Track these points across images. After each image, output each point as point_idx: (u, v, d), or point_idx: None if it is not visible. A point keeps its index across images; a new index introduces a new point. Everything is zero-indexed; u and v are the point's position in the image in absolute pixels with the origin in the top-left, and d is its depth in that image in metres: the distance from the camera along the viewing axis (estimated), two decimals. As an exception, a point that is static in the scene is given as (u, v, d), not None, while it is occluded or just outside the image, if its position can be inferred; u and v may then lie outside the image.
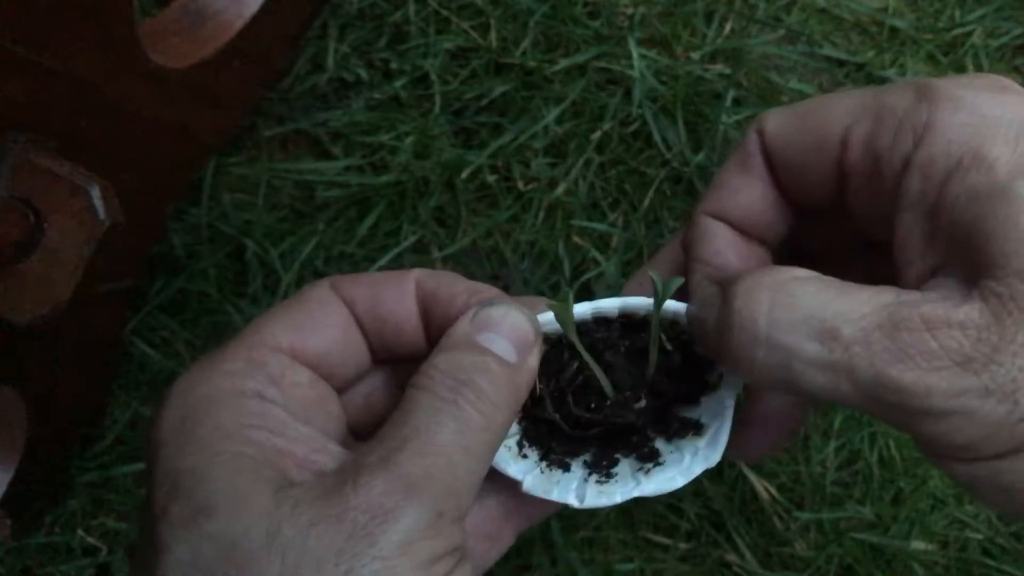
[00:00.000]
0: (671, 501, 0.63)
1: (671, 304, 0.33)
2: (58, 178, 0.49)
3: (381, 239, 0.67)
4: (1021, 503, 0.26)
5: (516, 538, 0.34)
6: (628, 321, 0.34)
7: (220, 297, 0.66)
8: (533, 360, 0.30)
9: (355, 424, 0.33)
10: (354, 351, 0.32)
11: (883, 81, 0.72)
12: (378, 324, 0.31)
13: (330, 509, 0.25)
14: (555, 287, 0.66)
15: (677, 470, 0.31)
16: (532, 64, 0.69)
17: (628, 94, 0.69)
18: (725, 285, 0.30)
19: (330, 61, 0.70)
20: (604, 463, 0.33)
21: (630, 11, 0.71)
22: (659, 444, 0.33)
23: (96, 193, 0.49)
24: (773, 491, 0.63)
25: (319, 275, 0.66)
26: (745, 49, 0.70)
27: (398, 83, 0.70)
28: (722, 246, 0.33)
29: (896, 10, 0.74)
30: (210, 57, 0.60)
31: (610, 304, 0.33)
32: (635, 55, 0.69)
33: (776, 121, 0.32)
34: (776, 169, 0.32)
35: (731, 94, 0.69)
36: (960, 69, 0.73)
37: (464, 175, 0.67)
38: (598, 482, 0.32)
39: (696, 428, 0.33)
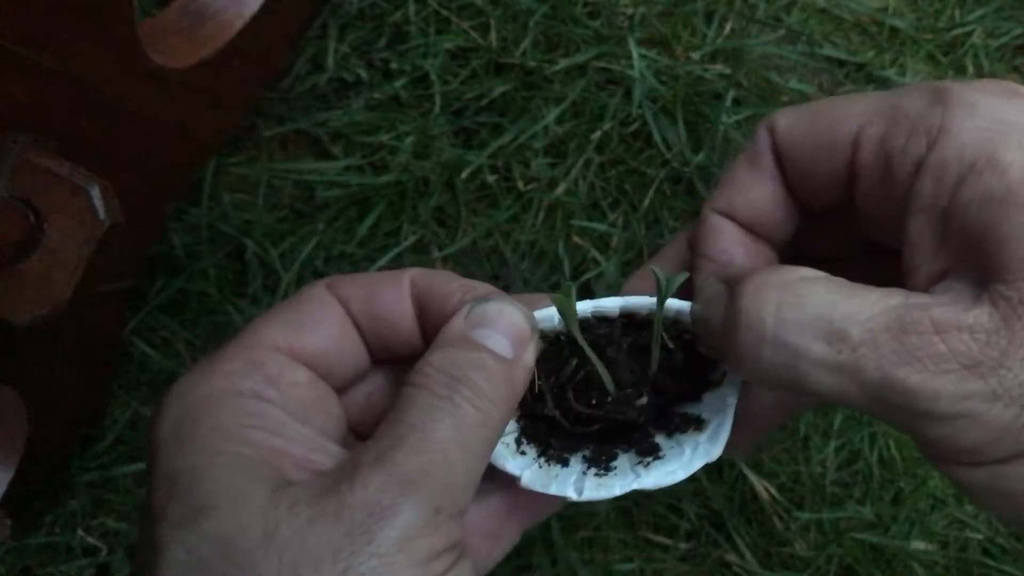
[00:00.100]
0: (671, 501, 0.63)
1: (674, 303, 0.32)
2: (58, 178, 0.49)
3: (381, 239, 0.67)
4: (1022, 508, 0.26)
5: (520, 535, 0.34)
6: (629, 320, 0.34)
7: (220, 297, 0.66)
8: (529, 356, 0.30)
9: (357, 424, 0.33)
10: (352, 350, 0.32)
11: (883, 81, 0.72)
12: (375, 323, 0.31)
13: (327, 507, 0.25)
14: (555, 287, 0.66)
15: (678, 464, 0.31)
16: (532, 64, 0.69)
17: (628, 94, 0.69)
18: (732, 284, 0.29)
19: (330, 61, 0.70)
20: (603, 458, 0.33)
21: (630, 11, 0.71)
22: (659, 440, 0.33)
23: (96, 193, 0.49)
24: (773, 491, 0.63)
25: (319, 275, 0.66)
26: (745, 49, 0.71)
27: (398, 83, 0.70)
28: (729, 244, 0.33)
29: (896, 10, 0.74)
30: (210, 57, 0.60)
31: (611, 303, 0.33)
32: (635, 55, 0.69)
33: (788, 120, 0.32)
34: (786, 168, 0.32)
35: (731, 94, 0.69)
36: (960, 69, 0.73)
37: (464, 175, 0.67)
38: (597, 475, 0.32)
39: (697, 423, 0.33)
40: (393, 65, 0.70)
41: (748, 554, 0.62)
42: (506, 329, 0.30)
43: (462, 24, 0.71)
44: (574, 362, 0.33)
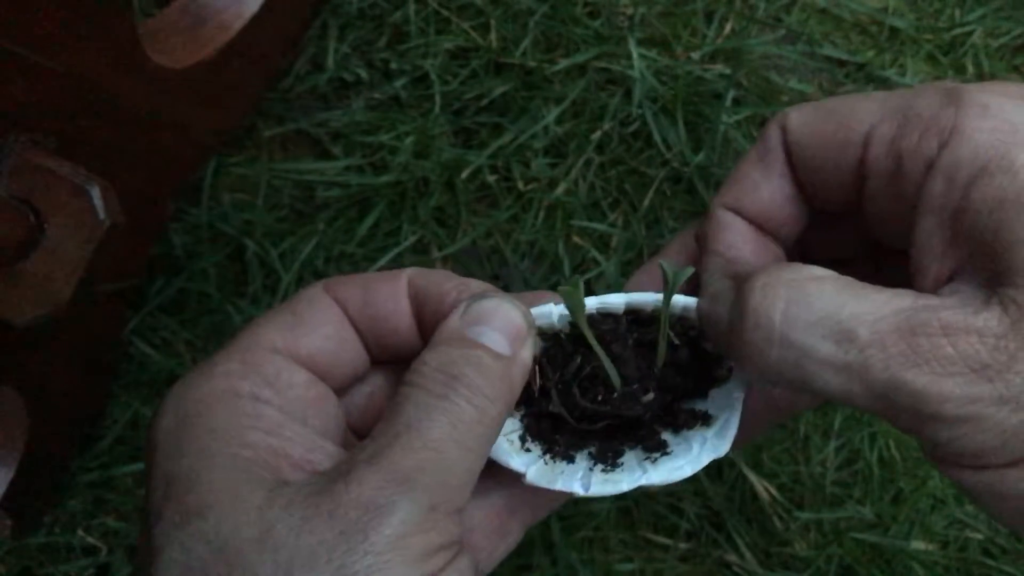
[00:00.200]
0: (671, 501, 0.63)
1: (680, 298, 0.32)
2: (58, 178, 0.49)
3: (381, 239, 0.67)
4: None
5: (523, 533, 0.34)
6: (634, 316, 0.34)
7: (220, 297, 0.66)
8: (526, 352, 0.30)
9: (358, 425, 0.33)
10: (349, 351, 0.32)
11: (883, 81, 0.72)
12: (372, 324, 0.31)
13: (322, 507, 0.25)
14: (555, 287, 0.66)
15: (685, 459, 0.31)
16: (532, 64, 0.69)
17: (628, 94, 0.69)
18: (739, 281, 0.29)
19: (330, 61, 0.70)
20: (609, 455, 0.32)
21: (630, 11, 0.71)
22: (666, 436, 0.33)
23: (96, 193, 0.49)
24: (773, 491, 0.63)
25: (319, 275, 0.66)
26: (745, 49, 0.71)
27: (398, 83, 0.70)
28: (737, 240, 0.33)
29: (896, 10, 0.74)
30: (210, 57, 0.60)
31: (617, 299, 0.33)
32: (635, 55, 0.69)
33: (799, 117, 0.32)
34: (796, 165, 0.32)
35: (731, 94, 0.69)
36: (960, 69, 0.73)
37: (464, 175, 0.67)
38: (603, 471, 0.32)
39: (704, 419, 0.32)
40: (393, 65, 0.70)
41: (748, 554, 0.62)
42: (503, 326, 0.29)
43: (462, 24, 0.71)
44: (578, 359, 0.33)
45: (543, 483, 0.31)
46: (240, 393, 0.28)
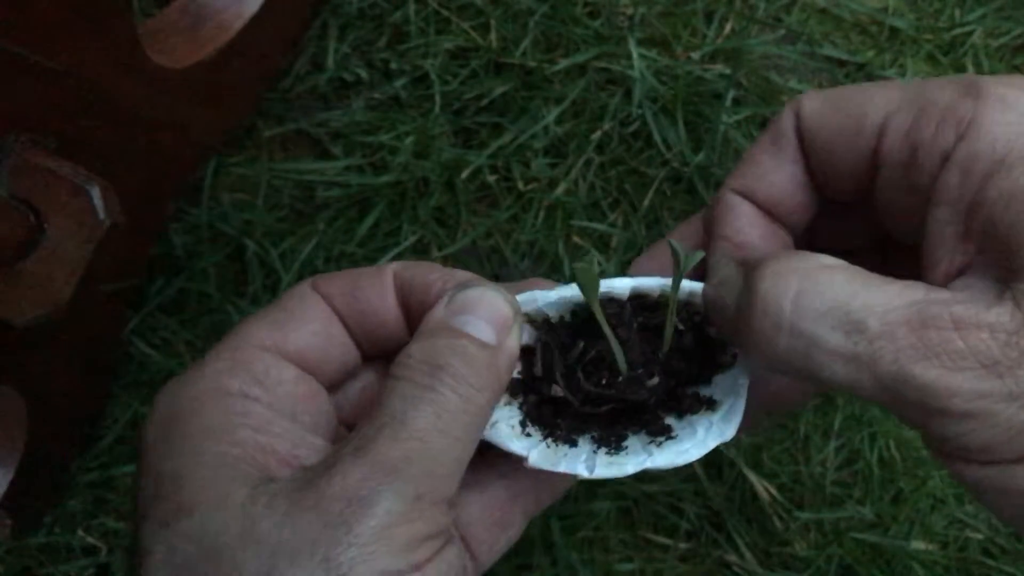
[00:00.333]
0: (671, 501, 0.63)
1: (685, 283, 0.32)
2: (58, 178, 0.49)
3: (381, 239, 0.67)
4: None
5: (525, 523, 0.34)
6: (639, 301, 0.33)
7: (220, 297, 0.66)
8: (513, 340, 0.30)
9: (351, 421, 0.33)
10: (338, 346, 0.32)
11: (883, 81, 0.72)
12: (360, 318, 0.31)
13: (306, 501, 0.25)
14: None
15: (691, 443, 0.31)
16: (532, 64, 0.69)
17: (628, 94, 0.69)
18: (748, 267, 0.29)
19: (330, 61, 0.70)
20: (613, 438, 0.32)
21: (630, 11, 0.71)
22: (670, 421, 0.32)
23: (96, 193, 0.49)
24: (773, 491, 0.63)
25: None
26: (745, 49, 0.71)
27: (398, 83, 0.70)
28: (746, 225, 0.33)
29: (896, 10, 0.74)
30: (210, 57, 0.60)
31: (622, 284, 0.33)
32: (635, 55, 0.69)
33: (814, 103, 0.31)
34: (809, 152, 0.32)
35: (731, 94, 0.69)
36: (960, 69, 0.73)
37: (464, 175, 0.67)
38: (608, 454, 0.31)
39: (709, 404, 0.32)
40: (393, 65, 0.70)
41: (748, 554, 0.62)
42: (488, 314, 0.29)
43: (462, 24, 0.71)
44: (581, 343, 0.33)
45: (546, 466, 0.31)
46: (229, 391, 0.28)
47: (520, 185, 0.68)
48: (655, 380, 0.32)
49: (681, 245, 0.31)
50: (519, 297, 0.32)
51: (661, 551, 0.63)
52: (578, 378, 0.32)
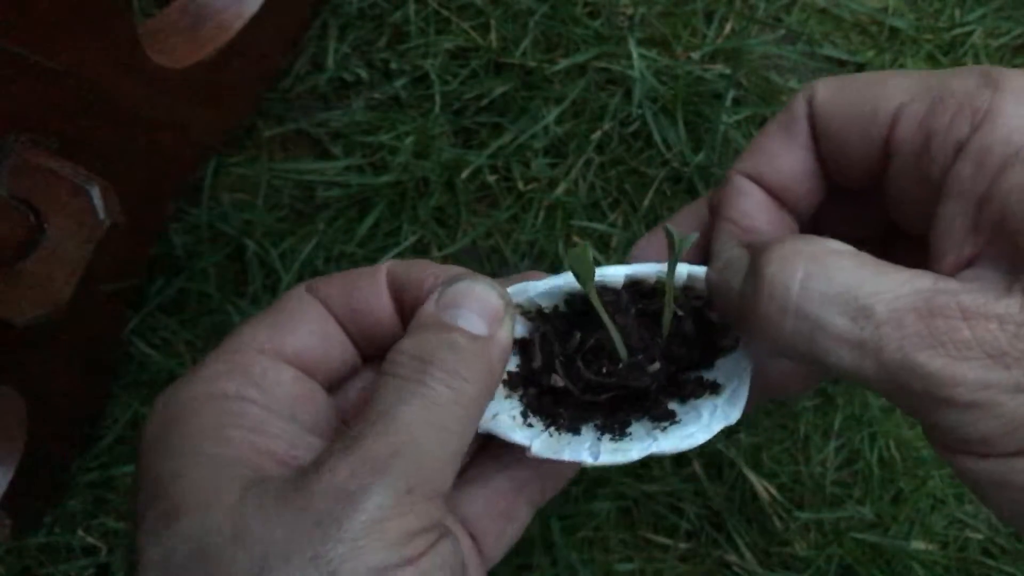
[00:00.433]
0: (671, 501, 0.63)
1: (684, 267, 0.32)
2: (58, 178, 0.49)
3: (381, 239, 0.67)
4: None
5: (531, 514, 0.34)
6: (636, 288, 0.33)
7: (220, 297, 0.66)
8: (505, 331, 0.30)
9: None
10: (336, 347, 0.32)
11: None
12: (355, 318, 0.31)
13: (295, 498, 0.25)
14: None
15: (696, 427, 0.30)
16: (532, 64, 0.69)
17: (628, 94, 0.69)
18: (755, 250, 0.29)
19: (330, 61, 0.70)
20: (616, 425, 0.32)
21: (630, 11, 0.71)
22: (673, 406, 0.32)
23: (96, 193, 0.49)
24: (773, 491, 0.63)
25: (319, 275, 0.66)
26: (745, 49, 0.71)
27: (398, 83, 0.70)
28: (753, 208, 0.32)
29: (896, 10, 0.74)
30: (210, 57, 0.60)
31: (616, 271, 0.33)
32: (635, 55, 0.69)
33: (828, 89, 0.31)
34: (820, 138, 0.32)
35: (731, 94, 0.69)
36: (960, 69, 0.72)
37: (464, 175, 0.67)
38: (612, 440, 0.31)
39: (713, 388, 0.32)
40: (393, 65, 0.70)
41: (748, 554, 0.62)
42: (477, 306, 0.29)
43: (462, 24, 0.71)
44: (578, 334, 0.33)
45: (549, 454, 0.30)
46: (225, 394, 0.28)
47: (520, 185, 0.68)
48: (656, 365, 0.32)
49: (675, 229, 0.31)
50: (510, 289, 0.31)
51: (661, 551, 0.63)
52: (578, 367, 0.32)
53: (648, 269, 0.33)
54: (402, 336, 0.30)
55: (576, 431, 0.32)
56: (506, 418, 0.31)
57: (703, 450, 0.63)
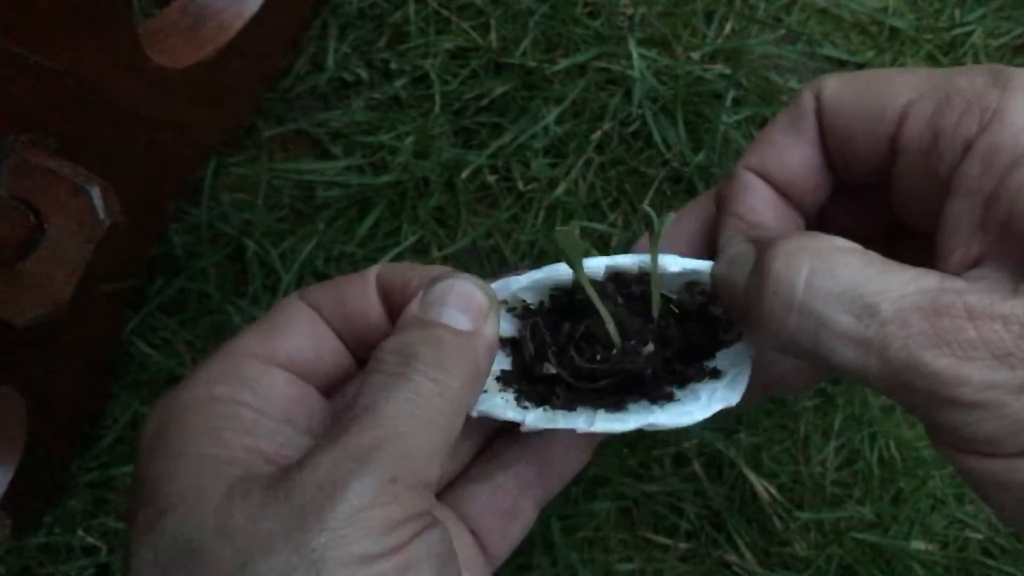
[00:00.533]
0: (671, 501, 0.63)
1: (689, 263, 0.32)
2: (58, 178, 0.49)
3: (381, 239, 0.67)
4: None
5: (537, 512, 0.34)
6: (620, 280, 0.33)
7: (220, 297, 0.66)
8: (491, 326, 0.30)
9: None
10: (328, 351, 0.32)
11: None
12: (346, 322, 0.32)
13: (279, 491, 0.25)
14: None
15: (695, 405, 0.30)
16: (532, 64, 0.69)
17: (628, 94, 0.69)
18: (760, 246, 0.29)
19: (330, 61, 0.70)
20: (613, 404, 0.32)
21: (630, 11, 0.71)
22: (672, 390, 0.32)
23: (96, 193, 0.49)
24: (773, 491, 0.63)
25: (319, 275, 0.66)
26: (745, 49, 0.71)
27: (398, 83, 0.70)
28: (759, 204, 0.32)
29: (896, 10, 0.74)
30: (210, 57, 0.60)
31: (596, 263, 0.33)
32: (635, 55, 0.69)
33: (836, 85, 0.31)
34: (827, 134, 0.32)
35: (731, 94, 0.69)
36: (960, 69, 0.72)
37: (464, 175, 0.67)
38: (608, 412, 0.31)
39: (713, 374, 0.32)
40: (393, 65, 0.70)
41: (748, 554, 0.62)
42: (460, 303, 0.29)
43: (462, 24, 0.71)
44: (567, 324, 0.33)
45: (543, 424, 0.30)
46: (218, 397, 0.29)
47: (520, 185, 0.68)
48: (650, 347, 0.32)
49: (659, 215, 0.31)
50: (493, 285, 0.32)
51: (661, 551, 0.63)
52: (571, 356, 0.32)
53: (628, 260, 0.33)
54: None
55: (571, 410, 0.32)
56: (499, 400, 0.31)
57: (703, 450, 0.63)
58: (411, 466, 0.26)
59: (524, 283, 0.33)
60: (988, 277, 0.26)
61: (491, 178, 0.68)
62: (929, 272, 0.26)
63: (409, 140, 0.68)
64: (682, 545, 0.63)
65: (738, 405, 0.31)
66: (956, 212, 0.28)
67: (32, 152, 0.49)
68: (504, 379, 0.33)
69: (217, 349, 0.31)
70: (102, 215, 0.49)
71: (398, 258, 0.66)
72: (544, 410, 0.31)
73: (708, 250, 0.33)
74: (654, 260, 0.31)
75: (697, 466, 0.63)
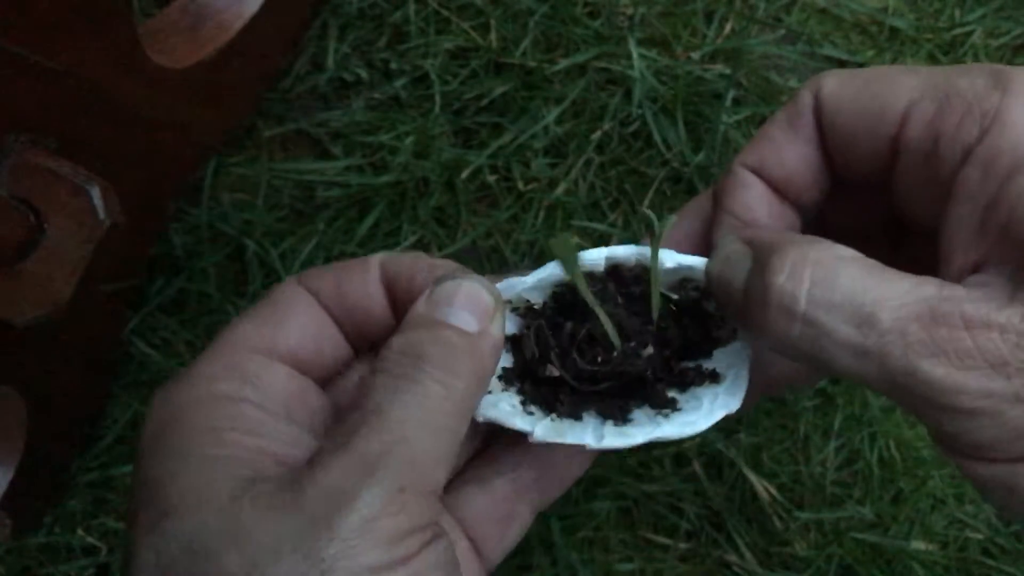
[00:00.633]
0: (671, 501, 0.63)
1: (684, 259, 0.32)
2: (58, 178, 0.49)
3: (381, 239, 0.67)
4: None
5: (533, 516, 0.34)
6: (618, 275, 0.33)
7: (220, 297, 0.66)
8: (496, 327, 0.30)
9: None
10: (328, 341, 0.31)
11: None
12: (347, 312, 0.31)
13: (288, 498, 0.25)
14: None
15: (697, 415, 0.30)
16: (532, 64, 0.69)
17: (628, 94, 0.69)
18: (757, 248, 0.29)
19: (330, 61, 0.70)
20: (618, 412, 0.32)
21: (630, 11, 0.71)
22: (673, 394, 0.32)
23: (96, 193, 0.49)
24: (773, 491, 0.63)
25: (319, 275, 0.66)
26: (745, 49, 0.70)
27: (398, 83, 0.70)
28: (755, 202, 0.32)
29: (896, 10, 0.74)
30: (210, 57, 0.60)
31: (596, 255, 0.33)
32: (635, 55, 0.69)
33: (835, 84, 0.31)
34: (825, 133, 0.31)
35: (731, 94, 0.69)
36: (960, 69, 0.72)
37: (464, 175, 0.67)
38: (615, 426, 0.31)
39: (713, 377, 0.32)
40: (393, 65, 0.70)
41: (748, 554, 0.62)
42: (468, 303, 0.29)
43: (462, 24, 0.71)
44: (568, 326, 0.33)
45: (553, 437, 0.30)
46: (220, 395, 0.28)
47: (520, 185, 0.68)
48: (649, 350, 0.32)
49: (660, 216, 0.31)
50: (499, 285, 0.32)
51: (661, 551, 0.63)
52: (573, 358, 0.32)
53: (627, 251, 0.33)
54: (394, 330, 0.30)
55: (578, 417, 0.32)
56: (506, 406, 0.31)
57: (703, 450, 0.63)
58: (419, 473, 0.26)
59: (530, 283, 0.33)
60: (988, 284, 0.26)
61: (491, 178, 0.68)
62: (928, 280, 0.26)
63: (409, 140, 0.68)
64: (682, 545, 0.63)
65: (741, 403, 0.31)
66: (957, 216, 0.28)
67: (32, 152, 0.49)
68: (506, 377, 0.33)
69: (215, 340, 0.30)
70: (102, 215, 0.49)
71: (398, 258, 0.66)
72: (552, 419, 0.31)
73: (708, 248, 0.33)
74: (654, 263, 0.31)
75: (697, 466, 0.63)
